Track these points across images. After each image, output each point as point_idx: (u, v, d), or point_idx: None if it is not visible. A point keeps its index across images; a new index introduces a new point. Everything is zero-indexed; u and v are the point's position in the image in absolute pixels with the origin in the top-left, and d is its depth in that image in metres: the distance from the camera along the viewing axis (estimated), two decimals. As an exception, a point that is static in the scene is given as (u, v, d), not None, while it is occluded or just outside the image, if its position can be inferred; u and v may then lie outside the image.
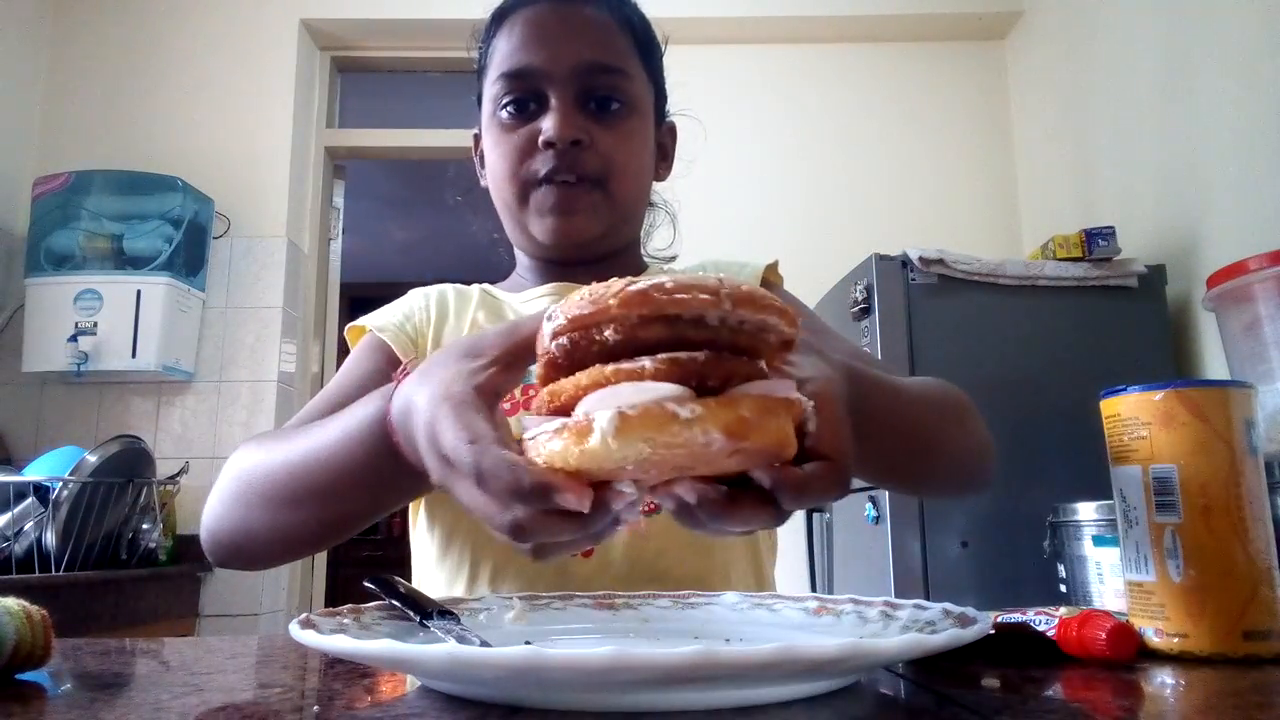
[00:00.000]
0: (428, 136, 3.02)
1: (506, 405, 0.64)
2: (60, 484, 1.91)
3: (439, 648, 0.36)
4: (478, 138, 0.90)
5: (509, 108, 0.80)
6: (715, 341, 0.36)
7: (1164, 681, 0.45)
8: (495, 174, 0.83)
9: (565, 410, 0.38)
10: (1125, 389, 0.54)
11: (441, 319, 0.87)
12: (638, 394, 0.35)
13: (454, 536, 0.78)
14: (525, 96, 0.80)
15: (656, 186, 0.93)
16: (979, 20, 2.85)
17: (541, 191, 0.79)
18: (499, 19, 0.83)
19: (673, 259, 1.00)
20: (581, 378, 0.37)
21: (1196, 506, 0.50)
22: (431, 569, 0.80)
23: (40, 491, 1.94)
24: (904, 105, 2.86)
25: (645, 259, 0.96)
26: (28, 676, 0.45)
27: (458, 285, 0.93)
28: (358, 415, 0.54)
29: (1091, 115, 2.42)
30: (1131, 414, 0.53)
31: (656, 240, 1.00)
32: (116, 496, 2.01)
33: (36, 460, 2.10)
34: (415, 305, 0.88)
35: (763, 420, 0.36)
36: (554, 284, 0.87)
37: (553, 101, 0.78)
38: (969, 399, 0.70)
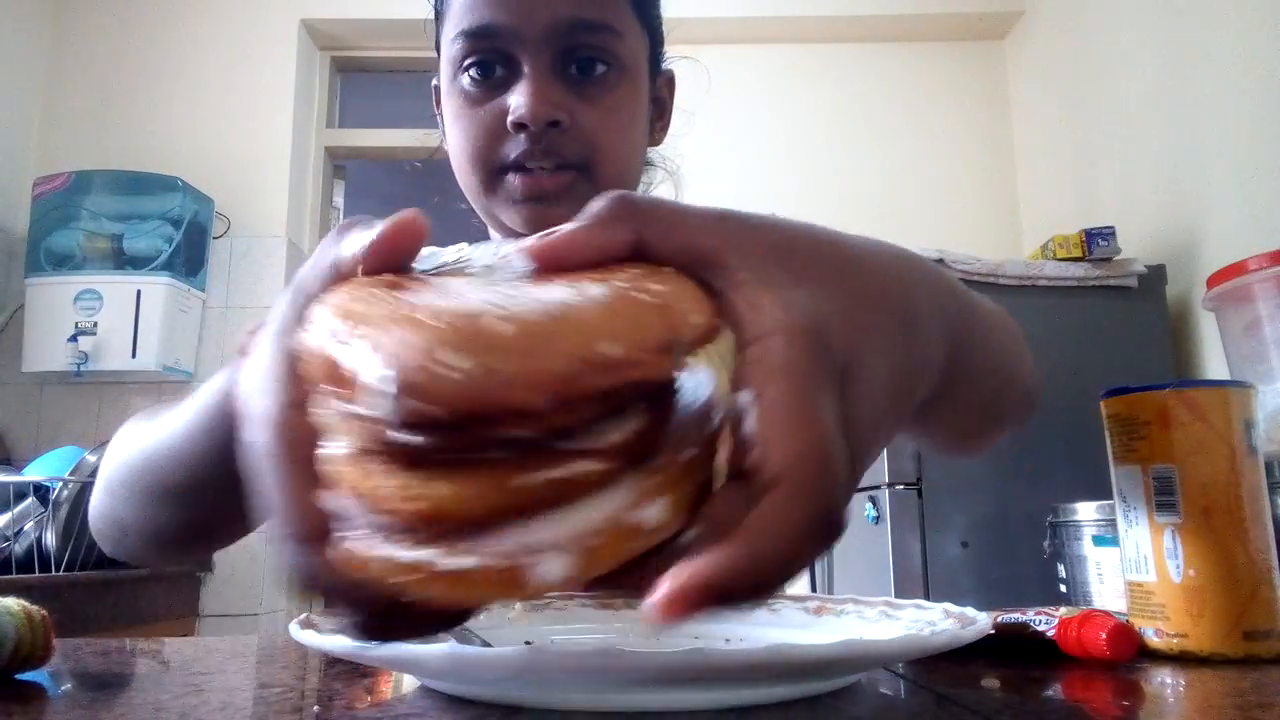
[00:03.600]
0: (428, 137, 3.01)
1: None
2: (60, 484, 1.91)
3: (439, 648, 0.36)
4: (437, 89, 0.76)
5: (471, 72, 0.66)
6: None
7: (1164, 681, 0.45)
8: (458, 154, 0.70)
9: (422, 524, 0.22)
10: (1125, 389, 0.54)
11: None
12: (595, 511, 0.22)
13: None
14: (491, 59, 0.66)
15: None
16: (979, 20, 2.85)
17: (512, 178, 0.66)
18: None
19: None
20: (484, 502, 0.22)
21: (1196, 506, 0.50)
22: None
23: (40, 491, 1.94)
24: (904, 105, 2.86)
25: None
26: (28, 676, 0.45)
27: (432, 248, 0.80)
28: (208, 389, 0.44)
29: (1091, 115, 2.42)
30: (1131, 414, 0.53)
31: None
32: (116, 496, 2.01)
33: (36, 460, 2.10)
34: None
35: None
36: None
37: (525, 69, 0.64)
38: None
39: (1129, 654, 0.47)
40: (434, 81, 0.76)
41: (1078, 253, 1.99)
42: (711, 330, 0.25)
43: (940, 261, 1.94)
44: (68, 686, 0.46)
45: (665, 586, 0.22)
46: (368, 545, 0.23)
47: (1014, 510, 1.81)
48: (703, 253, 0.27)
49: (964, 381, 0.38)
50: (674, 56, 0.78)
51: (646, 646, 0.37)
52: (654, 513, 0.23)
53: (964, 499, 1.85)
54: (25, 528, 1.91)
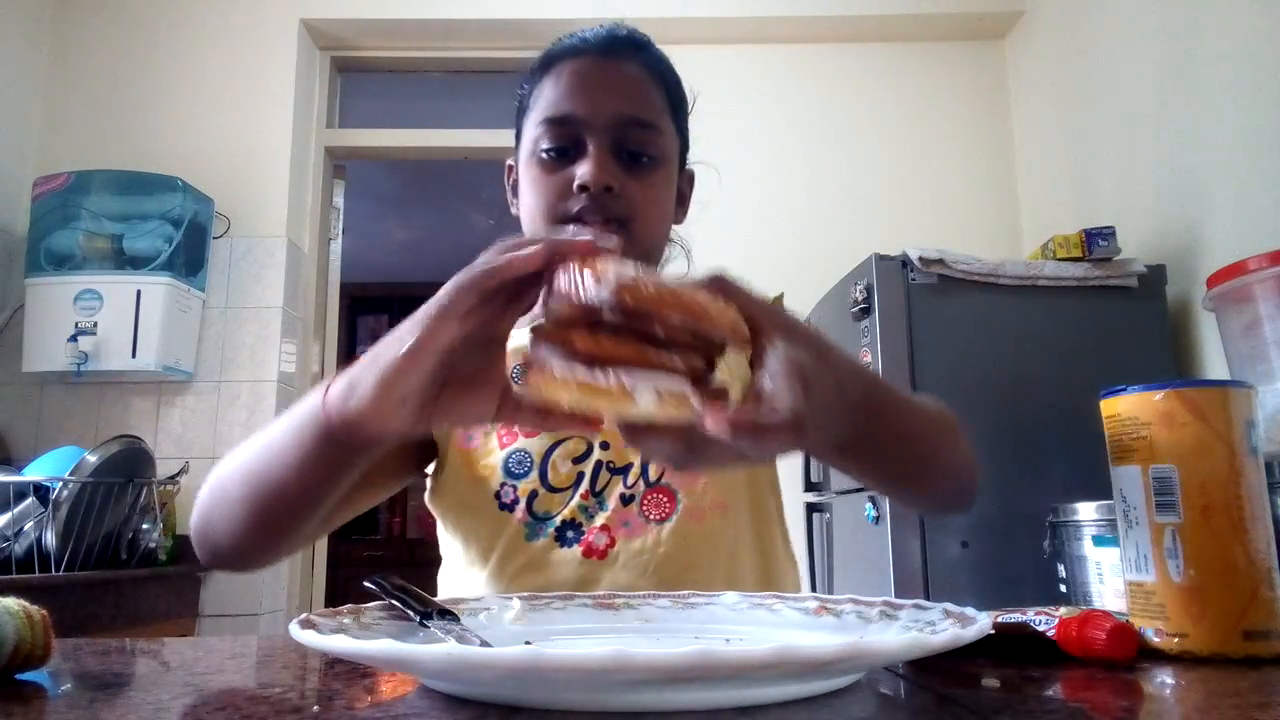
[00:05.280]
0: (428, 136, 3.02)
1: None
2: (60, 484, 1.91)
3: (439, 648, 0.36)
4: (511, 167, 0.96)
5: (549, 151, 0.85)
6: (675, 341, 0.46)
7: (1164, 681, 0.45)
8: (529, 209, 0.87)
9: (580, 357, 0.46)
10: (1125, 389, 0.54)
11: None
12: (669, 383, 0.44)
13: (473, 548, 0.86)
14: (565, 143, 0.85)
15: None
16: (979, 20, 2.85)
17: (571, 228, 0.83)
18: (546, 65, 0.89)
19: None
20: (614, 346, 0.45)
21: (1196, 506, 0.50)
22: (458, 577, 0.88)
23: (40, 491, 1.94)
24: (904, 105, 2.86)
25: None
26: (28, 676, 0.45)
27: None
28: (298, 403, 0.57)
29: (1091, 115, 2.42)
30: (1131, 414, 0.53)
31: (671, 271, 1.05)
32: (116, 496, 2.01)
33: (36, 460, 2.10)
34: None
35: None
36: None
37: (590, 149, 0.83)
38: (958, 421, 0.75)
39: (1129, 654, 0.47)
40: (509, 161, 0.97)
41: (1078, 253, 1.99)
42: (744, 343, 0.48)
43: (940, 261, 1.94)
44: (68, 686, 0.46)
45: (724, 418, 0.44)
46: (559, 367, 0.45)
47: (1014, 510, 1.81)
48: (757, 322, 0.49)
49: (878, 432, 0.60)
50: (695, 161, 1.00)
51: (647, 647, 0.37)
52: (694, 401, 0.44)
53: (964, 499, 1.85)
54: (25, 528, 1.91)
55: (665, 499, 0.84)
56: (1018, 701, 0.41)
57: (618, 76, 0.86)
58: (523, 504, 0.83)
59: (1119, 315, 1.98)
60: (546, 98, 0.86)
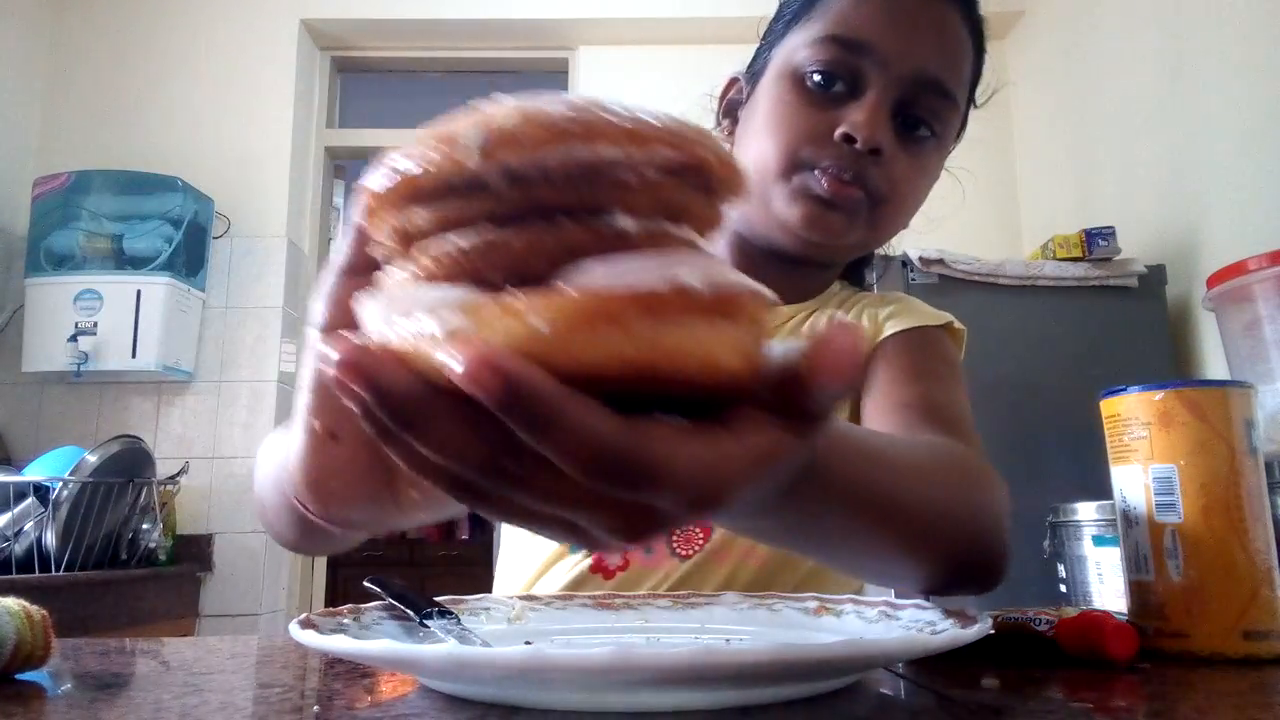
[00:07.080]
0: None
1: None
2: (60, 484, 1.91)
3: (439, 648, 0.36)
4: (735, 81, 0.79)
5: (818, 74, 0.69)
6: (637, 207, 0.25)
7: (1164, 681, 0.45)
8: (765, 140, 0.71)
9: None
10: (1125, 389, 0.54)
11: None
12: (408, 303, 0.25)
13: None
14: (840, 73, 0.69)
15: None
16: (979, 20, 2.85)
17: (810, 175, 0.68)
18: None
19: (868, 286, 0.93)
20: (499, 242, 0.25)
21: (1196, 506, 0.50)
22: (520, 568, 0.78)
23: (40, 491, 1.94)
24: (904, 105, 2.85)
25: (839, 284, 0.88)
26: (28, 676, 0.45)
27: None
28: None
29: (1091, 115, 2.42)
30: (1131, 414, 0.53)
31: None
32: (116, 496, 2.01)
33: (36, 460, 2.10)
34: None
35: (611, 330, 0.22)
36: None
37: (870, 95, 0.68)
38: (978, 463, 0.57)
39: (1129, 654, 0.47)
40: (734, 74, 0.80)
41: (1078, 253, 1.99)
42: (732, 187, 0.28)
43: (940, 261, 1.94)
44: (68, 686, 0.46)
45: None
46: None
47: (1014, 510, 1.81)
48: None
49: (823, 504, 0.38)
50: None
51: (647, 647, 0.37)
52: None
53: (964, 499, 1.85)
54: (25, 528, 1.91)
55: (700, 533, 0.72)
56: (1018, 701, 0.41)
57: (938, 24, 0.70)
58: None
59: (1119, 315, 1.98)
60: (839, 11, 0.69)
